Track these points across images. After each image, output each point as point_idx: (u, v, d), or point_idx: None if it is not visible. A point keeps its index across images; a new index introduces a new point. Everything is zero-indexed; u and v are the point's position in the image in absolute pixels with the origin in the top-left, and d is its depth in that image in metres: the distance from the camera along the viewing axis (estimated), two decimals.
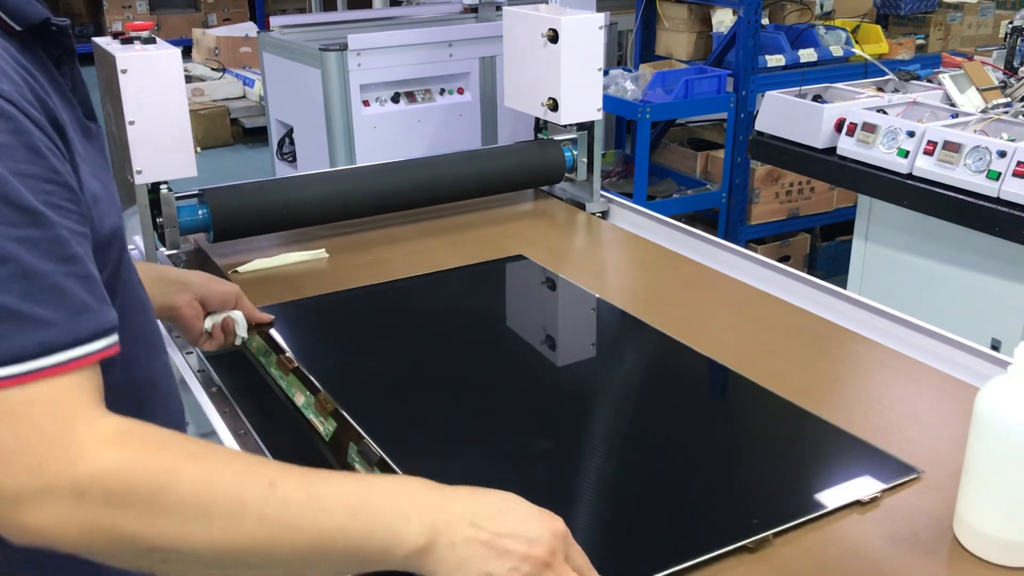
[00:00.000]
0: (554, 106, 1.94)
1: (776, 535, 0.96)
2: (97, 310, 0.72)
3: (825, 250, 4.17)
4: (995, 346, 2.41)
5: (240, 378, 1.64)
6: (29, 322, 0.67)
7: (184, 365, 1.44)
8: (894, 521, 0.98)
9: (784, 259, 4.05)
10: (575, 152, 2.01)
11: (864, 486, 1.03)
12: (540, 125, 2.10)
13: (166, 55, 1.56)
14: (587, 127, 2.01)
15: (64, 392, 0.68)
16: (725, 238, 4.18)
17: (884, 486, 1.03)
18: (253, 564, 0.69)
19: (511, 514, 0.76)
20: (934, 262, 2.52)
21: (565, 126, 1.99)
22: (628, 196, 3.76)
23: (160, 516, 0.67)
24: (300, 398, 1.27)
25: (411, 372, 1.36)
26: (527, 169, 1.97)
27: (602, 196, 2.05)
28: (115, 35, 1.63)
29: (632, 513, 1.02)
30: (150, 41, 1.59)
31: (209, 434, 1.28)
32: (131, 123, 1.52)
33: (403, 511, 0.72)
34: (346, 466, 1.14)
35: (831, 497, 1.02)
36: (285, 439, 1.32)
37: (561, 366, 1.42)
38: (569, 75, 1.91)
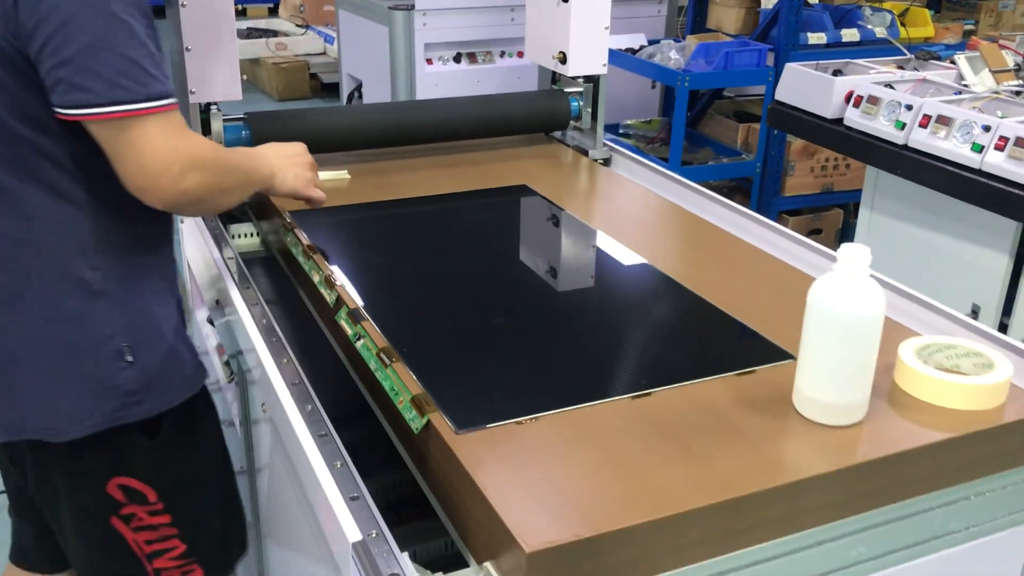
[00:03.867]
0: (563, 59, 2.18)
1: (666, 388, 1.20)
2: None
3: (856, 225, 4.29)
4: (975, 311, 2.56)
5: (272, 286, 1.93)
6: (158, 80, 1.22)
7: (220, 260, 1.73)
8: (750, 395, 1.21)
9: (815, 232, 4.20)
10: (581, 103, 2.24)
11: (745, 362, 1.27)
12: (555, 78, 2.33)
13: None
14: (594, 80, 2.24)
15: (180, 117, 1.26)
16: (757, 208, 4.35)
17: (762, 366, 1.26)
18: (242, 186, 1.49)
19: (286, 147, 1.67)
20: (926, 230, 2.68)
21: (574, 78, 2.22)
22: (665, 160, 3.96)
23: (230, 160, 1.43)
24: (315, 276, 1.56)
25: (412, 266, 1.64)
26: (535, 114, 2.21)
27: (605, 145, 2.28)
28: None
29: (573, 364, 1.29)
30: None
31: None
32: (188, 49, 1.81)
33: (263, 160, 1.60)
34: (336, 326, 1.43)
35: (718, 367, 1.26)
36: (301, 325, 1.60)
37: (527, 263, 1.68)
38: (577, 32, 2.13)
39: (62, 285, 1.30)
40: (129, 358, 1.34)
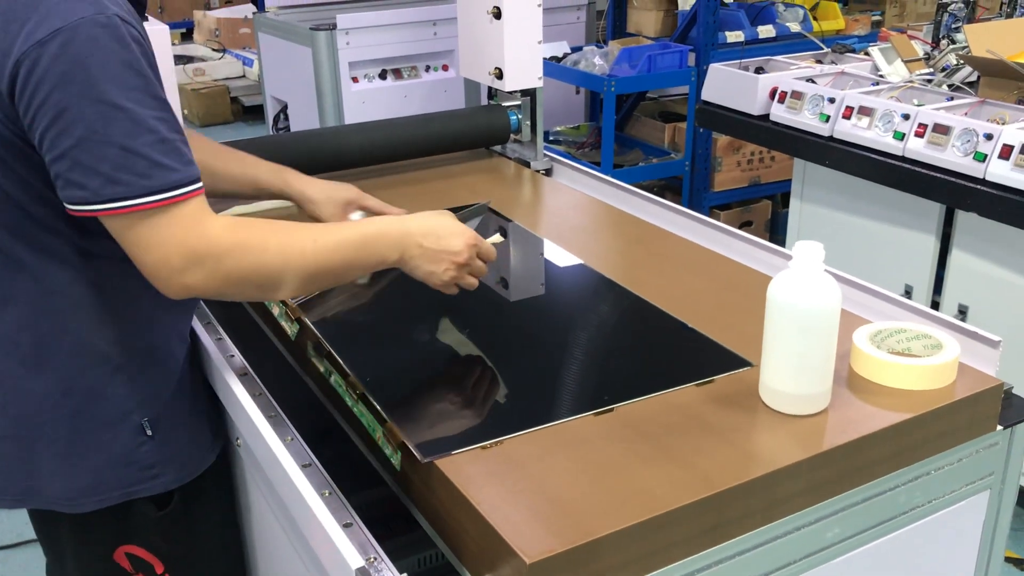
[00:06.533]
0: (500, 75, 2.21)
1: (628, 403, 1.24)
2: (194, 165, 1.17)
3: (786, 215, 4.42)
4: (907, 292, 2.68)
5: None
6: (167, 169, 1.12)
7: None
8: (718, 391, 1.26)
9: (746, 224, 4.32)
10: (520, 116, 2.28)
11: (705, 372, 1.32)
12: (492, 93, 2.37)
13: (157, 31, 1.83)
14: (530, 93, 2.28)
15: (194, 207, 1.15)
16: (689, 205, 4.45)
17: (722, 374, 1.31)
18: (312, 280, 1.27)
19: (443, 234, 1.32)
20: (856, 217, 2.78)
21: (511, 92, 2.26)
22: (597, 165, 4.02)
23: (260, 257, 1.19)
24: (276, 309, 1.57)
25: (370, 290, 1.65)
26: (476, 130, 2.24)
27: (545, 155, 2.32)
28: None
29: (540, 379, 1.33)
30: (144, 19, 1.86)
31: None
32: None
33: (384, 245, 1.30)
34: (307, 360, 1.43)
35: (678, 378, 1.30)
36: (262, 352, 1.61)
37: (484, 280, 1.71)
38: (512, 47, 2.17)
39: (81, 359, 1.26)
40: (148, 432, 1.31)
